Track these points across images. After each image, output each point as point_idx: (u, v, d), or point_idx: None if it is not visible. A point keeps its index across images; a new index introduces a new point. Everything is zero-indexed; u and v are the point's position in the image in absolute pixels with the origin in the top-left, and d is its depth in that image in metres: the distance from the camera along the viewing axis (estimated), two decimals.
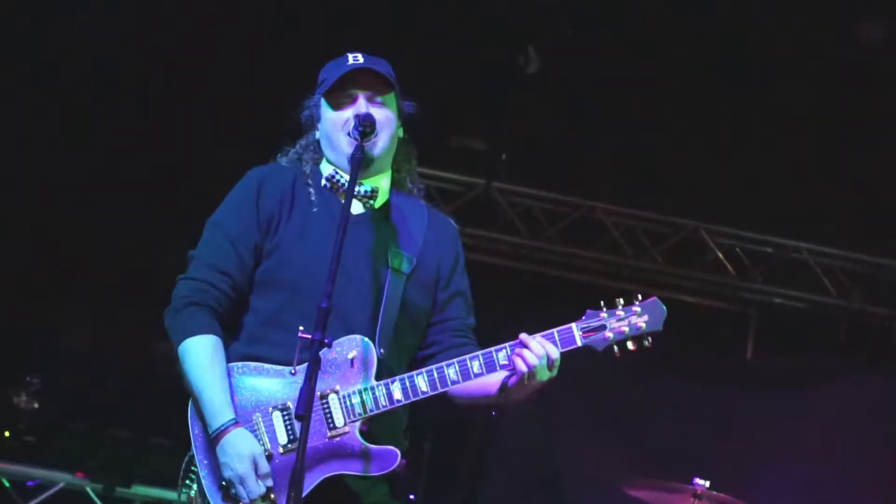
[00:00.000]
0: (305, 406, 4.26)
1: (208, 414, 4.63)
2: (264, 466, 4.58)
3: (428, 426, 9.79)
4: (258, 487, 4.56)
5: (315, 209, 4.86)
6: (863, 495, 10.11)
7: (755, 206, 10.89)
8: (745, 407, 10.67)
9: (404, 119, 5.05)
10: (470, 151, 11.05)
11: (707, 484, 7.70)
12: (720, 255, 11.10)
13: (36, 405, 10.54)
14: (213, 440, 4.61)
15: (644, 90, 10.26)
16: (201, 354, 4.67)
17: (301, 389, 4.30)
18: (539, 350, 4.66)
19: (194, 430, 4.71)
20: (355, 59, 4.92)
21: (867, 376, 10.66)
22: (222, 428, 4.59)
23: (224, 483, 4.61)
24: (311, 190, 4.89)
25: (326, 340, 4.37)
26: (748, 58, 9.96)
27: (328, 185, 4.93)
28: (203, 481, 4.67)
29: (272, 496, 4.58)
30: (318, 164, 5.00)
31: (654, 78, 10.17)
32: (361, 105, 4.86)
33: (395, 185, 5.06)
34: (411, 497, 9.72)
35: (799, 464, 10.09)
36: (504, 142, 10.75)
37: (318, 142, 5.01)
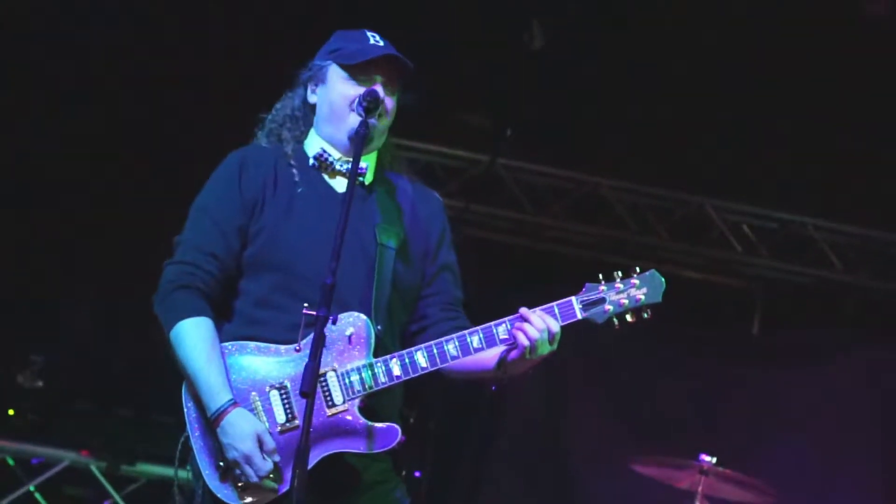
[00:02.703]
0: (310, 384, 4.23)
1: (206, 396, 4.60)
2: (269, 443, 4.56)
3: (433, 403, 9.80)
4: (265, 464, 4.54)
5: (300, 189, 4.83)
6: (869, 470, 10.11)
7: (761, 182, 10.87)
8: (751, 383, 10.67)
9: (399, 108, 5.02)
10: (474, 127, 11.02)
11: (713, 460, 7.71)
12: (726, 231, 11.07)
13: (40, 383, 10.54)
14: (212, 422, 4.58)
15: (649, 65, 10.21)
16: (195, 336, 4.64)
17: (305, 367, 4.27)
18: (540, 324, 4.64)
19: (189, 412, 4.69)
20: (375, 39, 4.89)
21: (874, 351, 10.63)
22: (222, 409, 4.56)
23: (222, 464, 4.60)
24: (294, 171, 4.86)
25: (332, 317, 4.35)
26: (753, 32, 9.91)
27: (316, 163, 4.90)
28: (199, 463, 4.65)
29: (279, 472, 4.57)
30: (299, 141, 4.96)
31: (660, 53, 10.12)
32: (379, 90, 4.82)
33: (379, 161, 5.03)
34: (417, 474, 9.73)
35: (805, 439, 10.09)
36: (509, 118, 10.71)
37: (305, 108, 4.98)
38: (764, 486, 7.85)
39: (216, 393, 4.59)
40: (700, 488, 7.79)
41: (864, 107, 10.03)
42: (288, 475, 4.56)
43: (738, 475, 7.78)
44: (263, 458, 4.54)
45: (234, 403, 4.58)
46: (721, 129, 10.44)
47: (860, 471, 10.09)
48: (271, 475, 4.56)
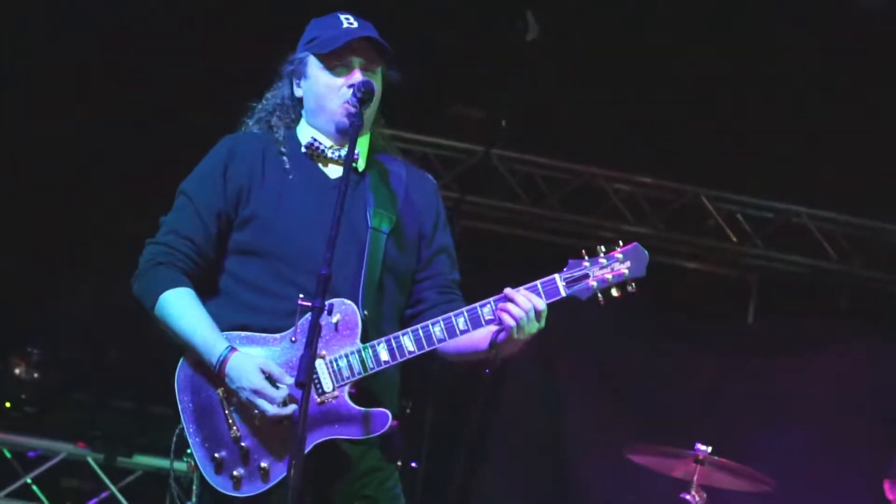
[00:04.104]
0: (306, 374, 4.24)
1: (205, 350, 4.64)
2: (276, 370, 4.58)
3: (429, 394, 9.81)
4: (277, 392, 4.56)
5: (290, 177, 4.84)
6: (863, 460, 10.12)
7: (755, 172, 10.87)
8: (746, 372, 10.68)
9: (386, 86, 5.01)
10: (469, 119, 11.02)
11: (709, 449, 7.72)
12: (721, 221, 11.08)
13: (36, 375, 10.55)
14: (217, 374, 4.61)
15: (645, 56, 10.22)
16: (181, 302, 4.70)
17: (301, 357, 4.28)
18: (524, 303, 4.64)
19: (183, 403, 4.72)
20: (349, 21, 4.88)
21: (868, 341, 10.65)
22: (222, 357, 4.60)
23: (217, 455, 4.63)
24: (285, 158, 4.87)
25: (328, 306, 4.37)
26: (748, 21, 9.92)
27: (307, 151, 4.90)
28: (195, 455, 4.68)
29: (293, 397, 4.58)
30: (290, 127, 4.97)
31: (655, 43, 10.13)
32: (358, 74, 4.83)
33: (372, 145, 5.02)
34: (413, 465, 9.74)
35: (800, 428, 10.10)
36: (504, 109, 10.71)
37: (294, 99, 4.98)
38: (759, 475, 7.87)
39: (214, 345, 4.63)
40: (696, 477, 7.80)
41: (858, 97, 10.05)
42: (279, 465, 4.61)
43: (733, 464, 7.79)
44: (276, 387, 4.56)
45: (232, 349, 4.61)
46: (716, 119, 10.45)
47: (856, 459, 10.09)
48: (286, 401, 4.56)
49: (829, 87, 10.05)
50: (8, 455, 10.43)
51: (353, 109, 4.75)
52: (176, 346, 4.74)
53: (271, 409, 4.55)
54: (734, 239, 11.12)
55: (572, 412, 10.69)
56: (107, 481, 10.43)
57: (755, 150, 10.61)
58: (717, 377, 10.64)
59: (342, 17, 4.91)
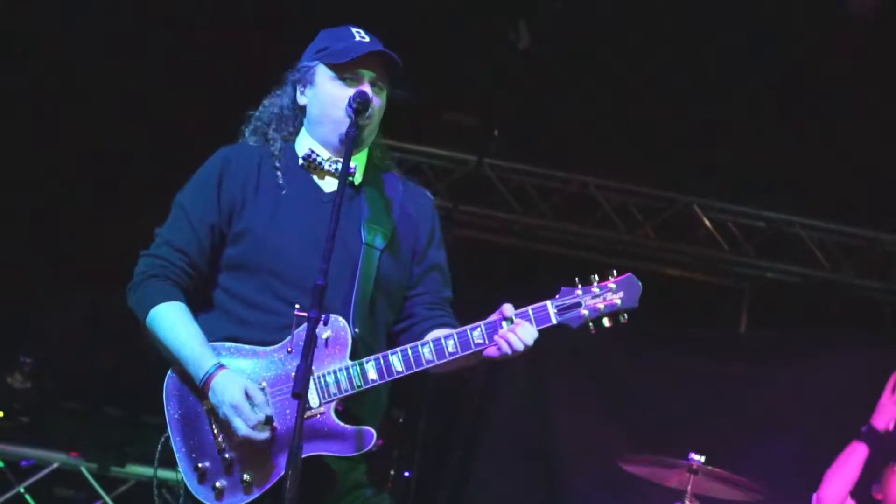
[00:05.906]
0: (302, 384, 4.26)
1: (193, 366, 4.65)
2: (258, 396, 4.60)
3: (422, 402, 9.81)
4: (255, 414, 4.56)
5: (284, 191, 4.85)
6: None
7: (747, 181, 10.89)
8: (739, 381, 10.68)
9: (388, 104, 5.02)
10: (462, 127, 11.02)
11: (702, 458, 7.71)
12: (713, 230, 11.09)
13: (29, 385, 10.53)
14: (202, 389, 4.63)
15: (637, 64, 10.23)
16: (172, 316, 4.71)
17: (297, 367, 4.30)
18: (520, 332, 4.64)
19: (170, 412, 4.75)
20: (360, 35, 4.90)
21: (860, 349, 10.65)
22: (209, 373, 4.62)
23: (201, 466, 4.65)
24: (279, 173, 4.87)
25: (323, 317, 4.39)
26: (743, 28, 9.93)
27: (304, 163, 4.91)
28: (179, 464, 4.72)
29: (269, 425, 4.60)
30: (287, 139, 4.97)
31: (647, 52, 10.14)
32: (367, 90, 4.83)
33: (370, 160, 5.03)
34: (406, 474, 9.74)
35: (793, 437, 10.10)
36: (496, 117, 10.73)
37: (294, 108, 4.99)
38: (753, 485, 7.87)
39: (203, 361, 4.64)
40: (689, 487, 7.79)
41: (851, 105, 10.07)
42: (261, 478, 4.63)
43: (727, 473, 7.78)
44: (253, 409, 4.56)
45: (220, 367, 4.62)
46: (708, 128, 10.46)
47: None
48: (260, 426, 4.58)
49: (822, 96, 10.06)
50: (1, 464, 10.42)
51: (349, 120, 4.76)
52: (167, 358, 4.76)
53: (243, 429, 4.56)
54: (726, 248, 11.14)
55: (565, 421, 10.69)
56: (100, 491, 10.42)
57: (747, 158, 10.62)
58: (709, 386, 10.64)
59: (354, 30, 4.93)
